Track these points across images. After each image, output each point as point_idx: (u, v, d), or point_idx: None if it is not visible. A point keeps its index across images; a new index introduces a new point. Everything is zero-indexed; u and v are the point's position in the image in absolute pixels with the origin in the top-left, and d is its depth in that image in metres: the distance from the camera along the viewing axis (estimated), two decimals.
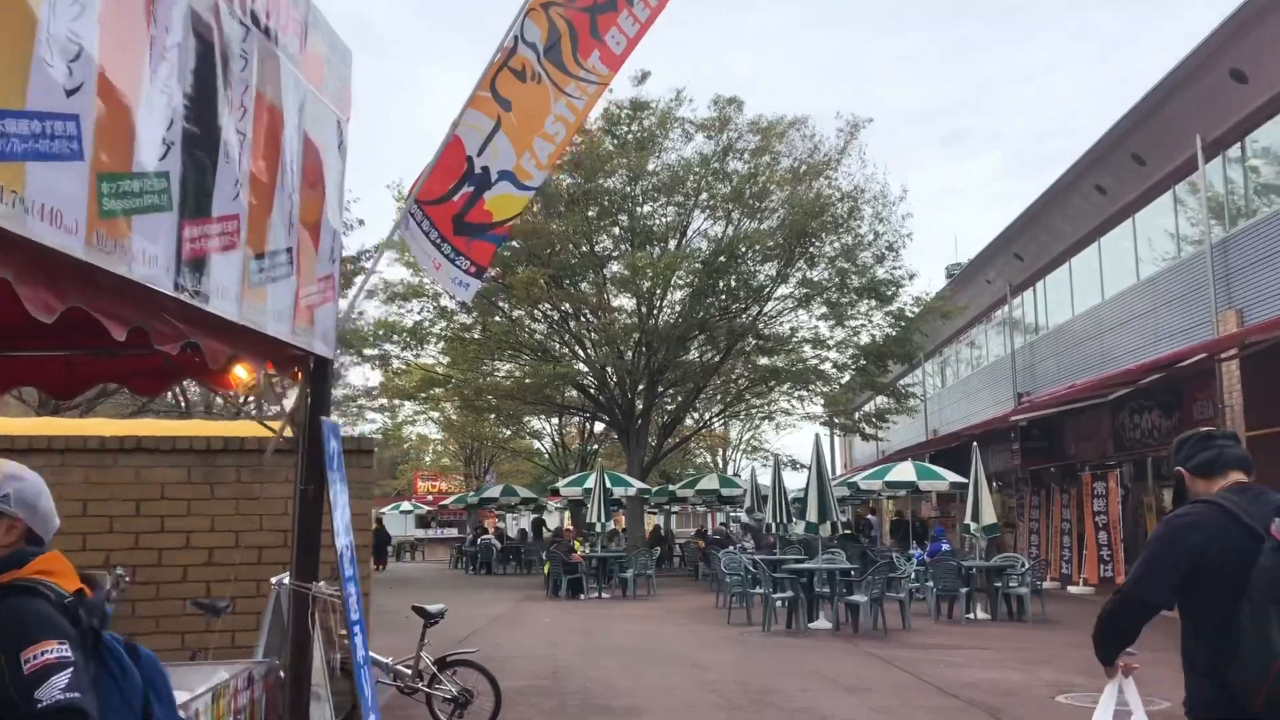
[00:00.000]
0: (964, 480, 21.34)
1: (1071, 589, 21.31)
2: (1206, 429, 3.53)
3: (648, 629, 14.95)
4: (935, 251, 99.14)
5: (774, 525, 18.50)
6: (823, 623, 14.56)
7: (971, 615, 15.76)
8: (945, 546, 19.47)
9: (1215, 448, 3.34)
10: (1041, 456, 29.55)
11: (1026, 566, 17.12)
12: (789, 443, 65.42)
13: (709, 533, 33.89)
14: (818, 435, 14.81)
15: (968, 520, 16.40)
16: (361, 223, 21.90)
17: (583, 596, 20.46)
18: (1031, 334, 30.32)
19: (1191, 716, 3.16)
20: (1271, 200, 18.25)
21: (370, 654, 7.86)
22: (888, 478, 21.03)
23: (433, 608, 7.99)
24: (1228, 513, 3.04)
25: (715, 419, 36.56)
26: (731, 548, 21.81)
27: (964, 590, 15.63)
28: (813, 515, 14.58)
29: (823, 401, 30.19)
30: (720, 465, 54.93)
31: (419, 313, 28.54)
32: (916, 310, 27.62)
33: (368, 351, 28.60)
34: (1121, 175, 22.29)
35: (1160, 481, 24.77)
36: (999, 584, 15.99)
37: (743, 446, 55.03)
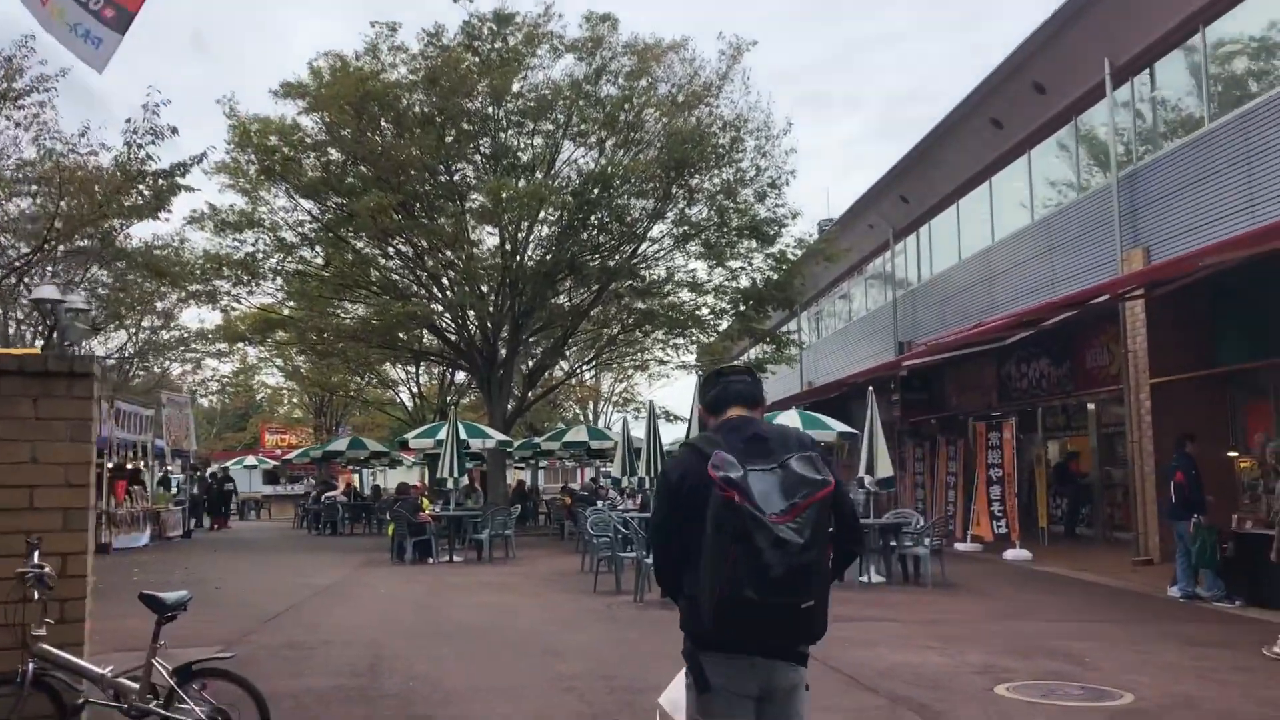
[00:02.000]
0: (852, 430, 19.76)
1: (959, 546, 20.00)
2: (720, 366, 3.61)
3: (501, 601, 12.79)
4: (805, 208, 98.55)
5: (647, 480, 16.51)
6: None
7: (865, 578, 14.08)
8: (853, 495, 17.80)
9: (720, 384, 3.45)
10: (922, 408, 28.39)
11: (922, 524, 15.57)
12: (663, 395, 63.97)
13: (577, 489, 31.86)
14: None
15: (861, 473, 14.69)
16: (175, 131, 18.81)
17: (431, 560, 18.18)
18: (914, 281, 29.04)
19: (682, 629, 3.31)
20: (1181, 130, 16.96)
21: (76, 660, 5.50)
22: None
23: (170, 596, 5.61)
24: (698, 451, 3.21)
25: (585, 368, 34.35)
26: (599, 504, 19.79)
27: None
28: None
29: (698, 350, 28.34)
30: (590, 418, 52.94)
31: (254, 244, 25.52)
32: (799, 252, 25.90)
33: (194, 287, 25.43)
34: (1020, 106, 20.82)
35: (1048, 433, 23.80)
36: (894, 543, 14.35)
37: (614, 399, 53.14)
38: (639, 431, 27.78)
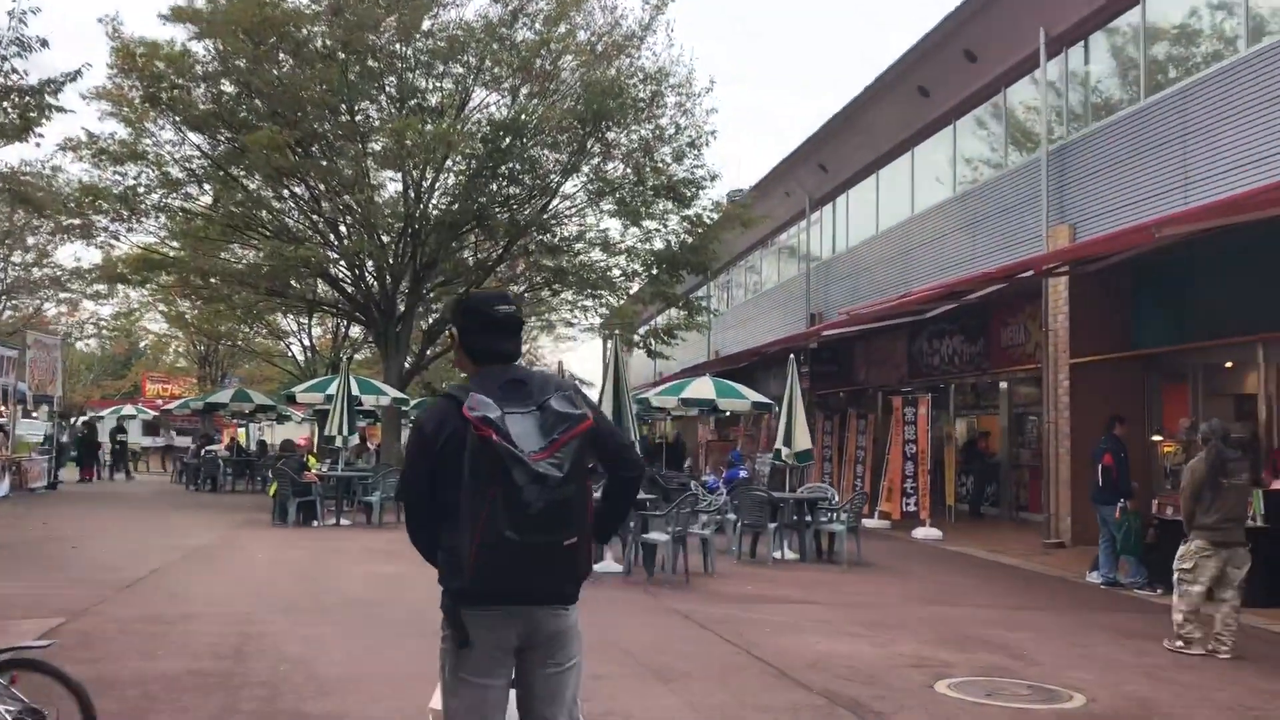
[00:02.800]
0: (767, 400, 19.11)
1: (867, 523, 19.52)
2: (484, 299, 3.38)
3: (390, 571, 11.76)
4: (724, 173, 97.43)
5: None
6: (610, 564, 11.81)
7: (779, 554, 13.42)
8: (743, 473, 17.18)
9: (484, 335, 3.28)
10: (831, 381, 28.04)
11: (837, 499, 15.00)
12: (567, 359, 63.01)
13: None
14: (616, 338, 11.94)
15: (779, 445, 13.98)
16: (45, 44, 17.04)
17: (316, 524, 17.01)
18: (829, 252, 28.55)
19: (440, 584, 3.18)
20: (1114, 107, 16.58)
21: None
22: (684, 394, 18.47)
23: None
24: (454, 399, 3.08)
25: None
26: None
27: (773, 526, 13.25)
28: None
29: (607, 312, 27.41)
30: None
31: (136, 178, 23.68)
32: (716, 216, 25.09)
33: (67, 221, 23.50)
34: (949, 75, 20.28)
35: (958, 411, 23.54)
36: (810, 519, 13.71)
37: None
38: None
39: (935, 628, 9.01)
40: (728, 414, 25.79)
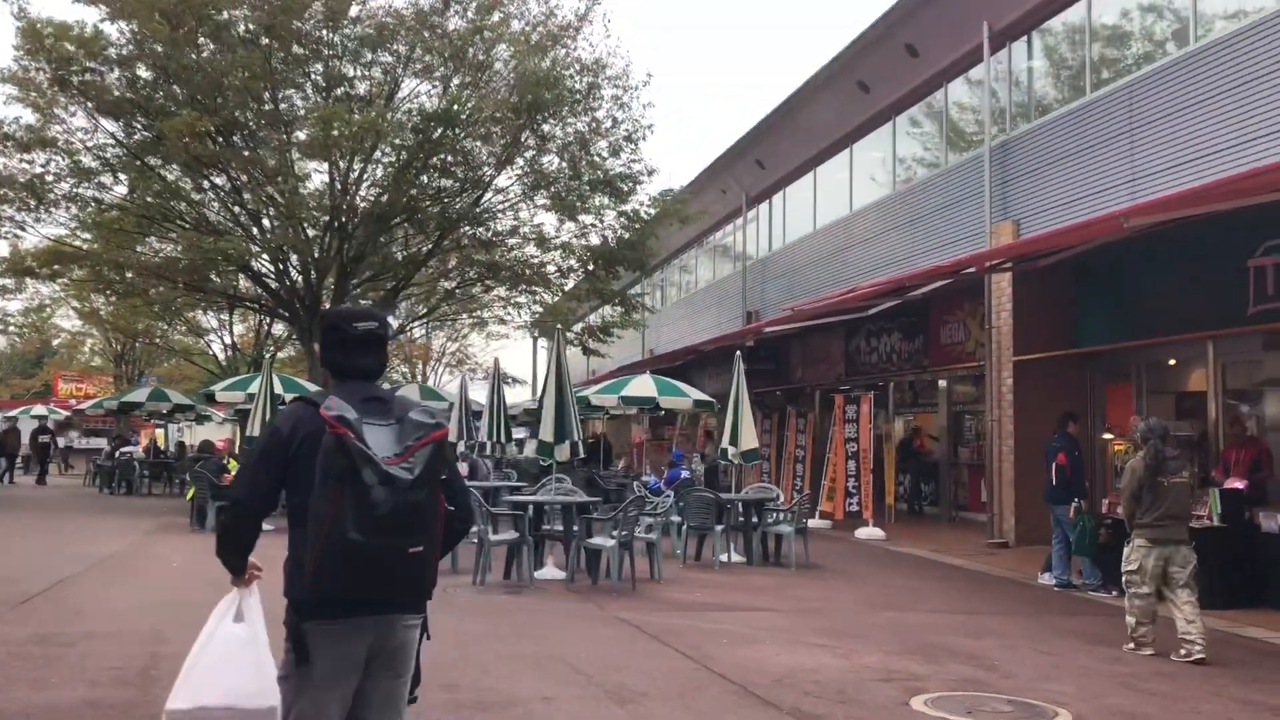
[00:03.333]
0: (708, 399, 18.66)
1: (809, 523, 19.18)
2: (345, 317, 3.39)
3: None
4: (661, 169, 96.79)
5: (489, 445, 14.95)
6: (552, 571, 11.23)
7: (725, 557, 12.95)
8: (685, 473, 16.70)
9: (346, 354, 3.26)
10: (767, 380, 27.71)
11: (781, 500, 14.60)
12: (501, 357, 62.08)
13: None
14: (558, 333, 11.35)
15: (724, 444, 13.51)
16: None
17: None
18: (766, 250, 28.24)
19: (286, 596, 3.07)
20: (1060, 101, 16.43)
21: None
22: (624, 392, 17.92)
23: None
24: (311, 402, 3.09)
25: (417, 324, 32.17)
26: None
27: (719, 528, 12.78)
28: (547, 433, 11.12)
29: (541, 310, 26.77)
30: (419, 379, 50.63)
31: (44, 166, 22.48)
32: (653, 211, 24.59)
33: None
34: (890, 69, 20.03)
35: (897, 409, 23.31)
36: (756, 521, 13.26)
37: (445, 359, 51.02)
38: (478, 394, 26.20)
39: (897, 636, 8.59)
40: (663, 413, 25.30)
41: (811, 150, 24.43)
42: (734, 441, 13.43)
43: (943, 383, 21.14)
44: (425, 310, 30.12)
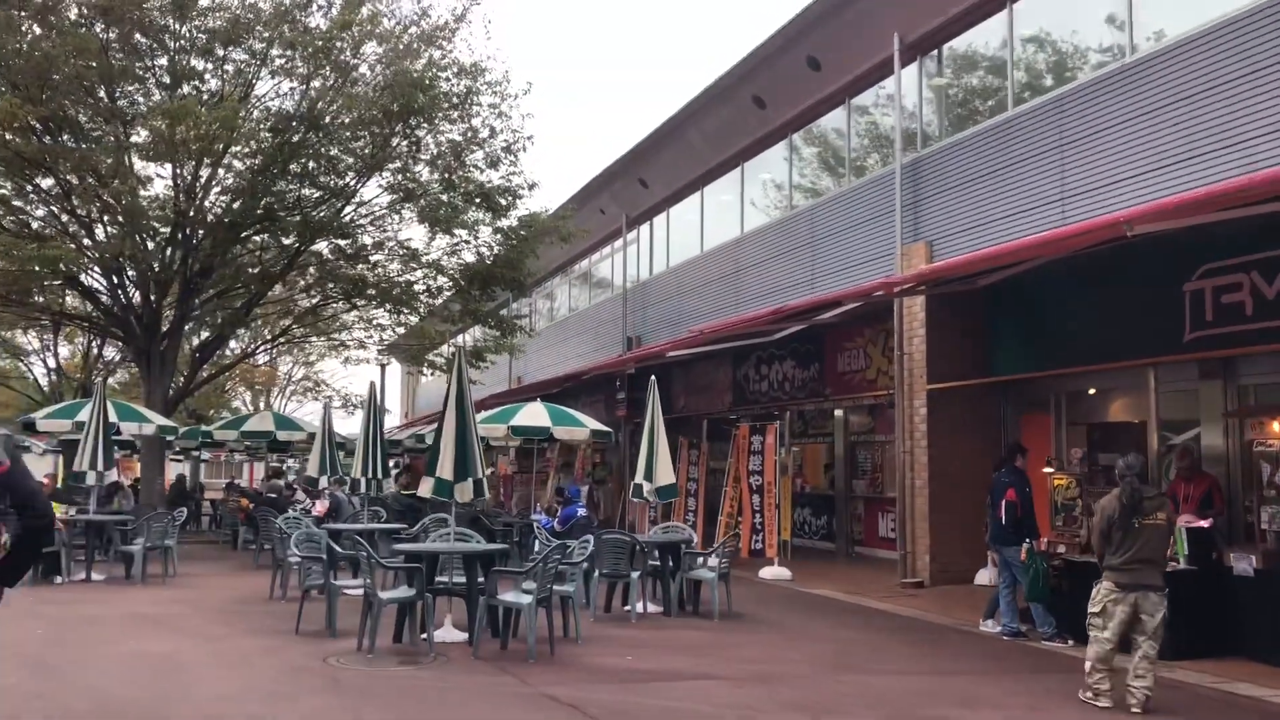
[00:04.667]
0: (606, 429, 17.21)
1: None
2: None
3: (164, 650, 9.10)
4: (540, 187, 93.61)
5: (365, 482, 13.13)
6: (450, 632, 9.54)
7: (640, 608, 11.48)
8: (581, 511, 15.17)
9: None
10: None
11: (695, 541, 13.25)
12: (352, 384, 58.89)
13: (249, 486, 27.31)
14: (459, 348, 9.74)
15: (639, 479, 12.07)
16: None
17: (60, 580, 13.82)
18: (648, 273, 27.05)
19: None
20: (978, 113, 15.75)
21: None
22: (514, 421, 16.26)
23: None
24: None
25: (268, 345, 29.63)
26: (293, 509, 16.08)
27: (635, 575, 11.33)
28: (446, 470, 9.47)
29: (402, 331, 24.85)
30: (261, 406, 47.47)
31: None
32: (530, 227, 23.06)
33: None
34: (789, 83, 19.14)
35: (795, 439, 22.25)
36: (674, 566, 11.86)
37: (293, 386, 48.01)
38: (343, 427, 24.05)
39: (876, 707, 7.31)
40: (535, 445, 23.66)
41: (700, 169, 23.39)
42: (649, 476, 12.03)
43: (839, 412, 20.25)
44: (273, 332, 27.78)
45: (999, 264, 11.99)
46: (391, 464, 22.74)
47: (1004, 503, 10.81)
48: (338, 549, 10.49)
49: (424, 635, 9.08)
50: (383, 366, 37.75)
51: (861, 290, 13.95)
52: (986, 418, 15.64)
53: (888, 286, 14.27)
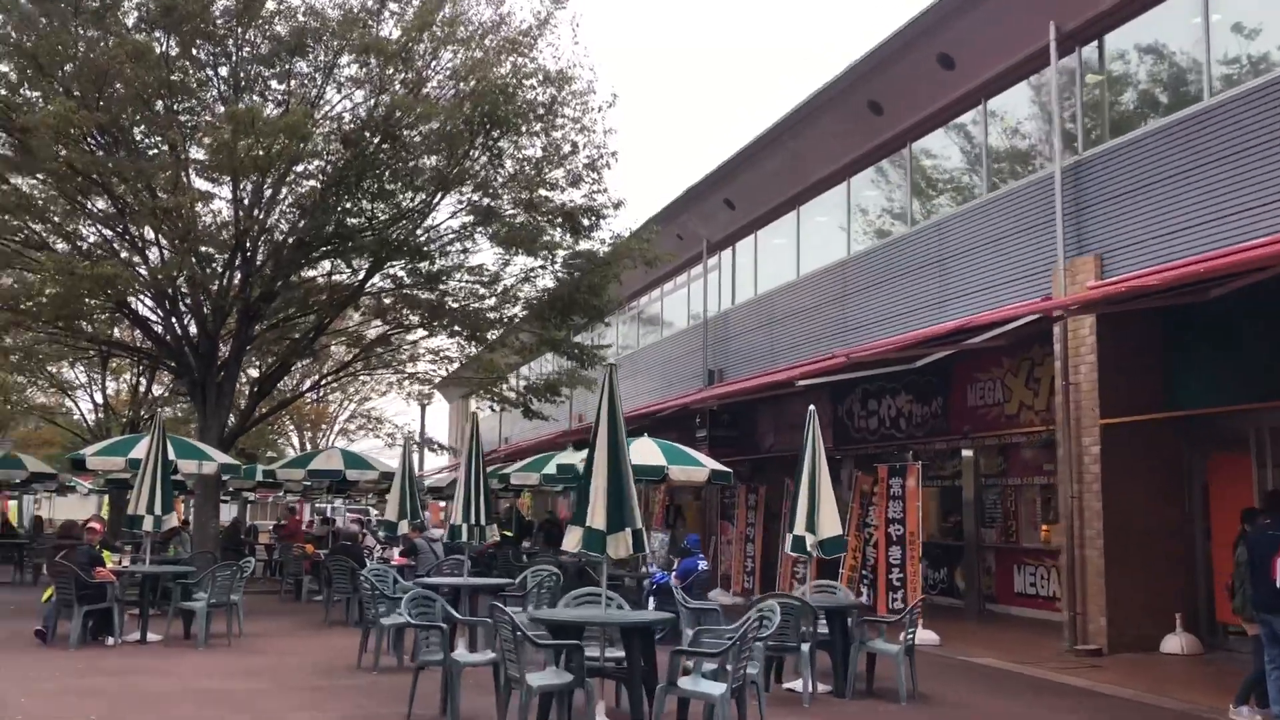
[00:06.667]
0: (726, 469, 15.22)
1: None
2: None
3: None
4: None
5: (465, 530, 11.22)
6: None
7: (807, 688, 9.42)
8: (703, 565, 13.19)
9: None
10: (730, 447, 24.49)
11: (865, 603, 11.20)
12: (413, 421, 56.90)
13: (310, 528, 25.48)
14: (611, 369, 7.89)
15: (799, 530, 10.06)
16: None
17: (112, 641, 11.98)
18: (729, 302, 25.16)
19: None
20: (1144, 111, 13.78)
21: None
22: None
23: None
24: None
25: (331, 378, 27.76)
26: (376, 560, 14.20)
27: (805, 648, 9.31)
28: (598, 519, 7.57)
29: (480, 364, 23.01)
30: (308, 445, 45.86)
31: None
32: (612, 249, 21.24)
33: None
34: (914, 83, 17.25)
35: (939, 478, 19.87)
36: (847, 637, 9.83)
37: (342, 423, 46.33)
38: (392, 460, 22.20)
39: None
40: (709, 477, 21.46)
41: (797, 185, 21.51)
42: (810, 527, 10.02)
43: (967, 452, 18.15)
44: (331, 366, 26.05)
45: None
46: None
47: (1277, 560, 8.70)
48: (455, 614, 8.55)
49: None
50: (423, 406, 36.08)
51: (1052, 305, 11.93)
52: (1167, 459, 13.56)
53: (1080, 302, 12.25)
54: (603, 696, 7.76)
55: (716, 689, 6.81)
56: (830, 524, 10.09)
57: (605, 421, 7.84)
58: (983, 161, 16.58)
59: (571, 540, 7.69)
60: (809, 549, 10.06)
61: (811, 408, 10.66)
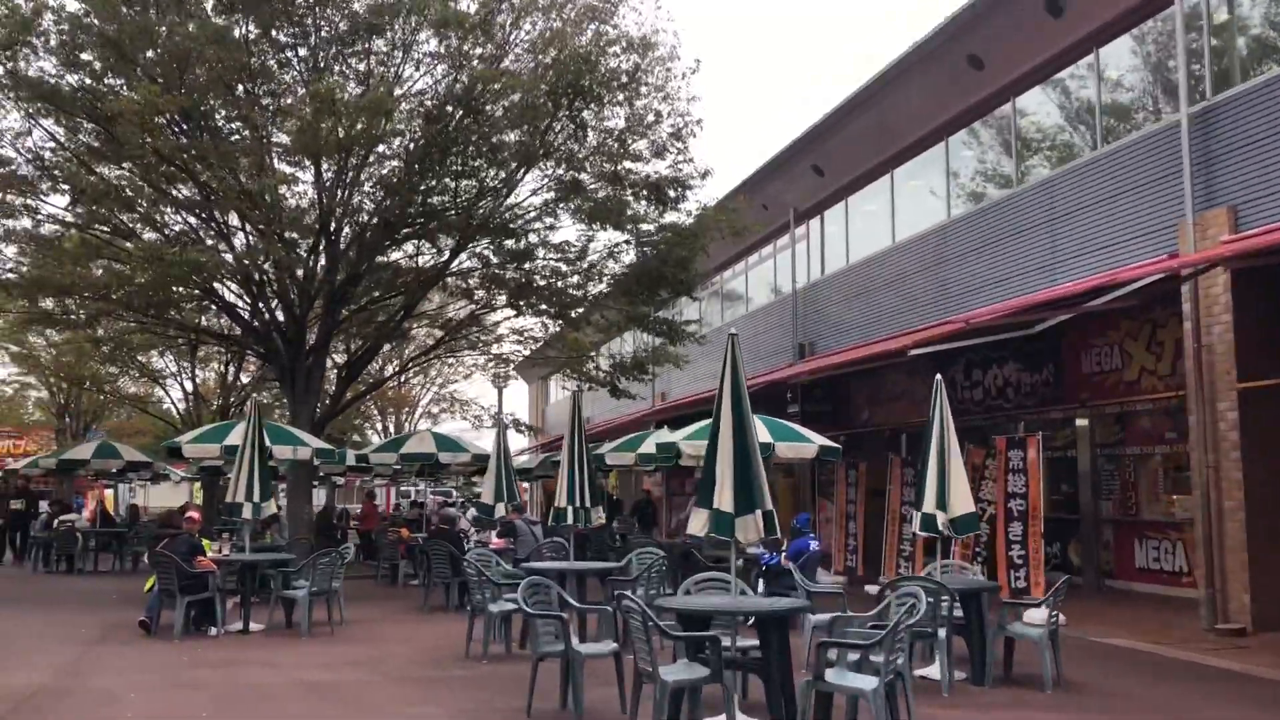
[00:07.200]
0: (836, 446, 14.60)
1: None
2: None
3: None
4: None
5: (572, 513, 10.79)
6: None
7: (943, 675, 8.82)
8: (814, 544, 12.61)
9: None
10: (824, 423, 23.73)
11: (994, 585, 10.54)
12: (489, 401, 56.96)
13: (400, 513, 25.40)
14: (732, 338, 7.34)
15: (929, 508, 9.45)
16: None
17: (214, 631, 11.80)
18: (818, 273, 24.39)
19: None
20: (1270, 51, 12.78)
21: None
22: None
23: None
24: None
25: (418, 360, 27.61)
26: (474, 542, 13.87)
27: (942, 633, 8.71)
28: (725, 500, 7.05)
29: (562, 343, 22.63)
30: (391, 429, 46.08)
31: None
32: (696, 220, 20.62)
33: None
34: (1016, 35, 16.33)
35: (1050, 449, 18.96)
36: (981, 620, 9.21)
37: (426, 407, 46.47)
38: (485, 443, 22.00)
39: None
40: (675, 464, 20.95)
41: (891, 148, 20.66)
42: (941, 504, 9.38)
43: (1082, 421, 17.25)
44: (415, 348, 25.87)
45: None
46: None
47: None
48: (573, 601, 8.11)
49: None
50: (500, 389, 35.79)
51: (1182, 262, 11.08)
52: None
53: (1213, 259, 11.39)
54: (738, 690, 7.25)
55: (868, 683, 6.25)
56: (962, 501, 9.45)
57: (729, 396, 7.29)
58: (1096, 115, 15.62)
59: (698, 524, 7.18)
60: (940, 527, 9.43)
61: (939, 377, 9.99)
